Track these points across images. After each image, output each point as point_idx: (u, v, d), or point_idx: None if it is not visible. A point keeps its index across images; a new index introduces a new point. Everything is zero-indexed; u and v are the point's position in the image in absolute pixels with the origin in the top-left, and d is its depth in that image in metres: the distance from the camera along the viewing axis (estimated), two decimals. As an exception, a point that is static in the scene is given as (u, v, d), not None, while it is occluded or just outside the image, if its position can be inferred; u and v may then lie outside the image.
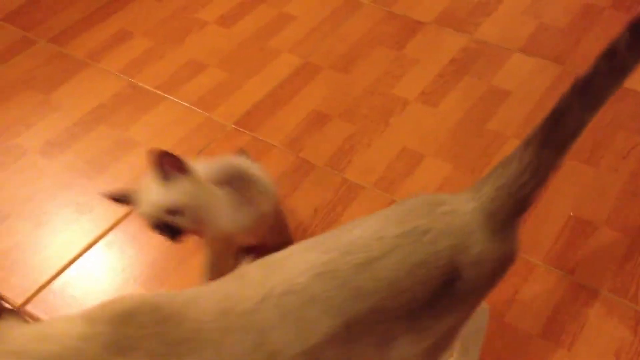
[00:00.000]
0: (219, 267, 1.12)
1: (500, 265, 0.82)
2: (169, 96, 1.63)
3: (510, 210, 0.80)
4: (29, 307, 1.22)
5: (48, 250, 1.32)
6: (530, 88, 1.60)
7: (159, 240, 1.32)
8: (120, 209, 1.37)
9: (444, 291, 0.77)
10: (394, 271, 0.75)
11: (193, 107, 1.60)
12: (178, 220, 1.01)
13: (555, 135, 0.78)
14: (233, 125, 1.55)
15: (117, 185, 1.43)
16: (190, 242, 1.18)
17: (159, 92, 1.65)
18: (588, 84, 0.76)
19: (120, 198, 1.03)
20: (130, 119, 1.58)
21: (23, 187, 1.44)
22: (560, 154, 0.79)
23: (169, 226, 1.01)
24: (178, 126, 1.56)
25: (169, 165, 0.99)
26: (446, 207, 0.79)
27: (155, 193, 1.00)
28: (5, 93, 1.66)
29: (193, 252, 1.27)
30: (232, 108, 1.59)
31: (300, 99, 1.60)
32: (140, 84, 1.67)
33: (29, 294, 1.24)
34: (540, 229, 1.30)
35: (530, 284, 1.21)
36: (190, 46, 1.77)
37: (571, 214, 1.33)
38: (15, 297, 1.23)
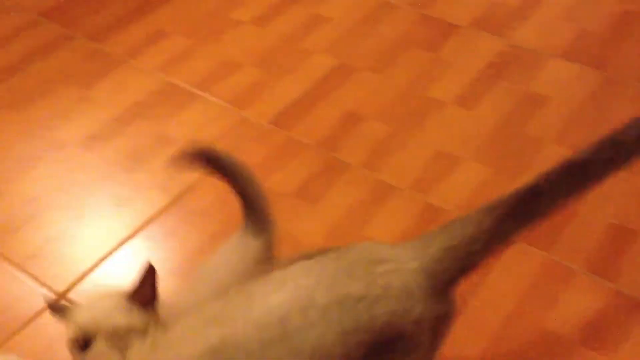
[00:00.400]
0: None
1: (439, 324, 0.78)
2: (204, 94, 1.65)
3: (454, 274, 0.76)
4: (70, 295, 1.23)
5: (87, 242, 1.33)
6: (570, 94, 1.58)
7: (196, 233, 1.32)
8: (160, 202, 1.38)
9: (383, 350, 0.74)
10: (318, 340, 0.69)
11: (228, 106, 1.61)
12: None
13: (527, 210, 0.72)
14: (267, 125, 1.55)
15: (155, 178, 1.44)
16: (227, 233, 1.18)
17: (194, 90, 1.66)
18: (582, 168, 0.70)
19: (59, 310, 0.88)
20: (167, 116, 1.59)
21: (63, 178, 1.46)
22: (522, 229, 0.73)
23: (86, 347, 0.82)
24: (213, 124, 1.57)
25: (145, 292, 0.83)
26: (386, 266, 0.74)
27: (110, 310, 0.82)
28: (45, 87, 1.68)
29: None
30: (267, 107, 1.60)
31: (335, 100, 1.60)
32: (177, 82, 1.68)
33: (67, 283, 1.26)
34: (581, 236, 1.28)
35: (572, 291, 1.19)
36: (225, 45, 1.78)
37: (613, 221, 1.30)
38: (55, 286, 1.25)
